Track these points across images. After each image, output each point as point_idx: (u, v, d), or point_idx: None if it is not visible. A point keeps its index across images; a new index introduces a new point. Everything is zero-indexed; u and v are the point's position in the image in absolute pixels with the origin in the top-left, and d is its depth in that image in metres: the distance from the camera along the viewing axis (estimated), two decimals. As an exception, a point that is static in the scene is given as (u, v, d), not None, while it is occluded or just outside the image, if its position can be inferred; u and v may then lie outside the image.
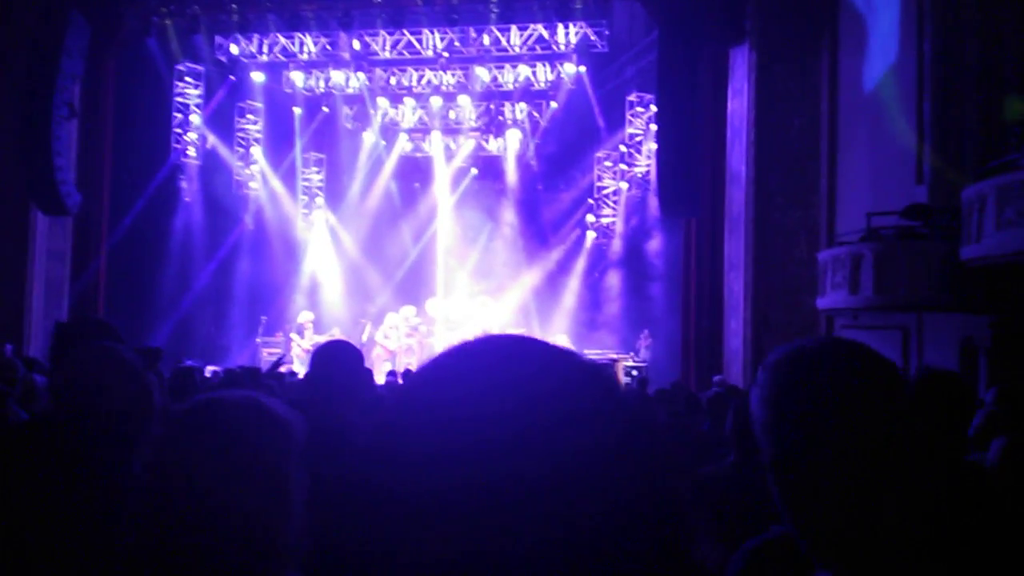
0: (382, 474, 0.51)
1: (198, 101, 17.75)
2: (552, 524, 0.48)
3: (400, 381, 9.14)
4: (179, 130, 17.57)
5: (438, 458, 0.50)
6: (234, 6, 14.84)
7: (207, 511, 1.16)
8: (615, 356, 14.48)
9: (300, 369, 14.86)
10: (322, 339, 14.98)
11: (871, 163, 10.99)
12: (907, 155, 10.08)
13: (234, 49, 17.25)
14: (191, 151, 17.74)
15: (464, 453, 0.49)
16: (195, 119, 17.71)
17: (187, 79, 17.59)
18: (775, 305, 11.96)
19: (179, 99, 17.52)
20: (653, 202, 15.63)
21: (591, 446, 0.51)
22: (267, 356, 16.18)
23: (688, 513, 0.54)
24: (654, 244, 16.54)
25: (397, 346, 16.57)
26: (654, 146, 14.79)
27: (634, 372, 13.59)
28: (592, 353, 15.19)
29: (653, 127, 15.34)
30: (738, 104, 12.87)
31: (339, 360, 2.67)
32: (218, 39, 17.11)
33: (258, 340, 16.75)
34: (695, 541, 0.54)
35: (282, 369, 13.56)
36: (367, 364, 13.99)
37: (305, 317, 16.50)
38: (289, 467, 1.22)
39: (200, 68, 17.60)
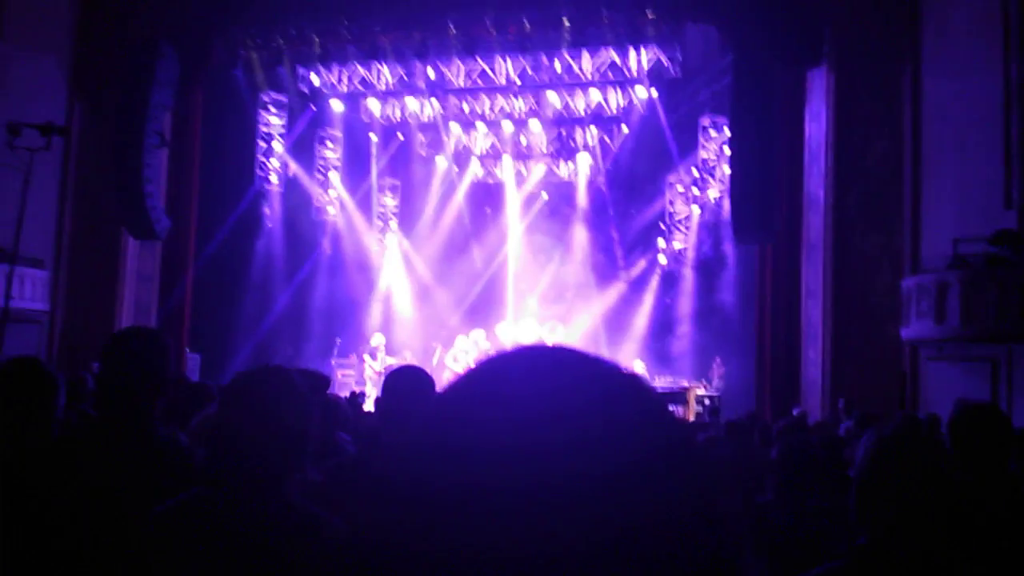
0: (422, 467, 0.52)
1: (281, 130, 18.40)
2: (587, 529, 0.48)
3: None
4: (263, 158, 18.23)
5: (477, 455, 0.51)
6: (316, 38, 15.36)
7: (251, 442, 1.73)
8: (687, 384, 14.22)
9: (372, 391, 15.11)
10: (393, 361, 15.21)
11: (957, 187, 10.58)
12: (995, 179, 9.67)
13: (315, 79, 17.86)
14: (273, 178, 18.38)
15: (503, 453, 0.50)
16: (278, 147, 18.36)
17: (271, 108, 18.28)
18: (856, 335, 11.57)
19: (263, 128, 18.21)
20: (726, 227, 15.38)
21: (630, 454, 0.51)
22: (341, 377, 16.51)
23: (734, 529, 0.54)
24: (727, 270, 16.23)
25: (467, 369, 16.66)
26: (727, 170, 14.59)
27: (706, 401, 13.31)
28: (664, 381, 14.96)
29: (727, 151, 15.14)
30: (816, 127, 12.59)
31: (411, 386, 2.68)
32: (300, 70, 17.74)
33: (333, 361, 17.11)
34: (742, 559, 0.53)
35: (355, 390, 13.81)
36: (438, 388, 14.13)
37: (378, 340, 16.79)
38: (307, 421, 1.89)
39: (283, 98, 18.27)
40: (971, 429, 2.50)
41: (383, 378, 2.81)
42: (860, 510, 1.85)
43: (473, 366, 0.58)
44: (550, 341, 16.69)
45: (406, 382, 2.69)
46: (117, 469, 2.09)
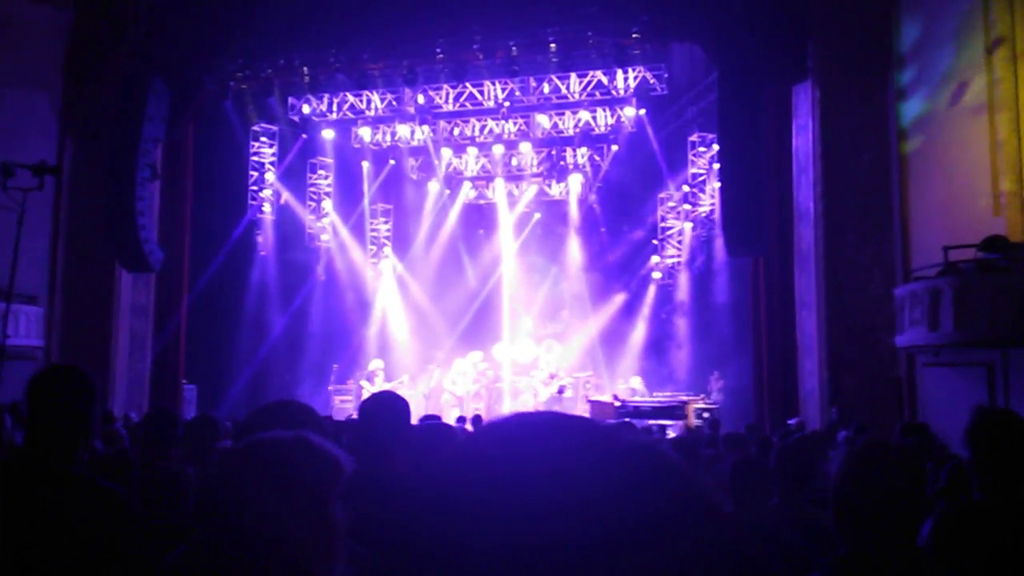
0: (437, 525, 0.55)
1: (272, 159, 18.49)
2: None
3: (469, 427, 9.18)
4: (255, 187, 18.30)
5: (492, 516, 0.53)
6: (305, 68, 15.47)
7: (257, 541, 1.27)
8: (685, 398, 14.23)
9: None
10: (392, 387, 15.18)
11: (946, 195, 10.67)
12: (983, 186, 9.76)
13: (306, 109, 17.99)
14: (266, 207, 18.44)
15: (515, 514, 0.53)
16: (270, 176, 18.43)
17: (262, 139, 18.39)
18: (851, 344, 11.60)
19: (255, 158, 18.30)
20: (718, 241, 15.46)
21: (635, 515, 0.53)
22: (339, 404, 16.47)
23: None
24: (721, 284, 16.30)
25: (464, 392, 16.66)
26: (718, 185, 14.69)
27: (705, 414, 13.32)
28: (662, 395, 14.96)
29: (716, 166, 15.25)
30: (803, 140, 12.71)
31: (384, 412, 2.73)
32: (291, 100, 17.88)
33: (330, 388, 17.08)
34: None
35: (352, 415, 13.75)
36: (435, 411, 14.05)
37: (375, 365, 16.76)
38: (334, 501, 1.35)
39: (274, 128, 18.38)
40: (993, 436, 2.47)
41: (359, 406, 2.85)
42: (839, 521, 1.85)
43: (480, 431, 0.61)
44: (547, 360, 16.45)
45: (381, 409, 2.74)
46: (31, 509, 2.04)
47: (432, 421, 3.65)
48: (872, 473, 1.83)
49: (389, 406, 2.76)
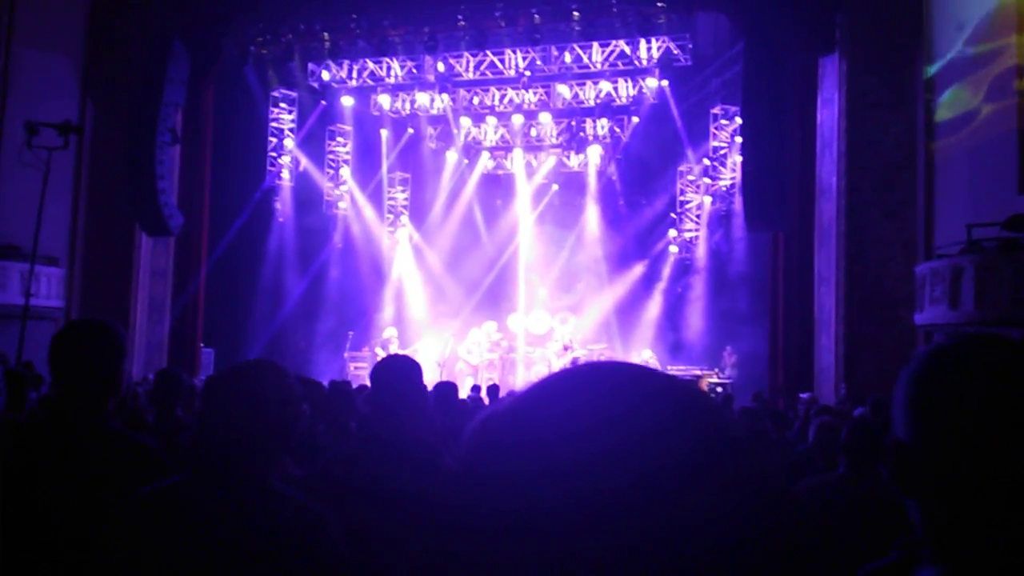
0: (481, 489, 0.55)
1: (291, 125, 18.47)
2: (646, 535, 0.50)
3: (483, 396, 9.23)
4: (274, 154, 18.31)
5: (537, 474, 0.52)
6: (326, 34, 15.39)
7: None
8: (699, 372, 14.22)
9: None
10: (407, 354, 15.26)
11: (970, 173, 10.50)
12: (1008, 164, 9.60)
13: (325, 75, 17.91)
14: (285, 173, 18.46)
15: (560, 469, 0.52)
16: (288, 143, 18.42)
17: (281, 105, 18.35)
18: (870, 320, 11.53)
19: (274, 124, 18.28)
20: (737, 216, 15.33)
21: (681, 461, 0.53)
22: (354, 370, 16.60)
23: (795, 530, 0.54)
24: (739, 258, 16.19)
25: (479, 361, 16.73)
26: (739, 159, 14.53)
27: (719, 389, 13.31)
28: (676, 369, 14.95)
29: (738, 139, 15.07)
30: (828, 114, 12.53)
31: (397, 375, 2.74)
32: (311, 66, 17.80)
33: (346, 355, 17.20)
34: (809, 558, 0.54)
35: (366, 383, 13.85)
36: (451, 378, 14.15)
37: (390, 332, 16.85)
38: None
39: (293, 94, 18.33)
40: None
41: (371, 370, 2.85)
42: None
43: (528, 387, 0.60)
44: (561, 331, 16.42)
45: (393, 372, 2.75)
46: (65, 461, 2.07)
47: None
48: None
49: (400, 370, 2.77)
